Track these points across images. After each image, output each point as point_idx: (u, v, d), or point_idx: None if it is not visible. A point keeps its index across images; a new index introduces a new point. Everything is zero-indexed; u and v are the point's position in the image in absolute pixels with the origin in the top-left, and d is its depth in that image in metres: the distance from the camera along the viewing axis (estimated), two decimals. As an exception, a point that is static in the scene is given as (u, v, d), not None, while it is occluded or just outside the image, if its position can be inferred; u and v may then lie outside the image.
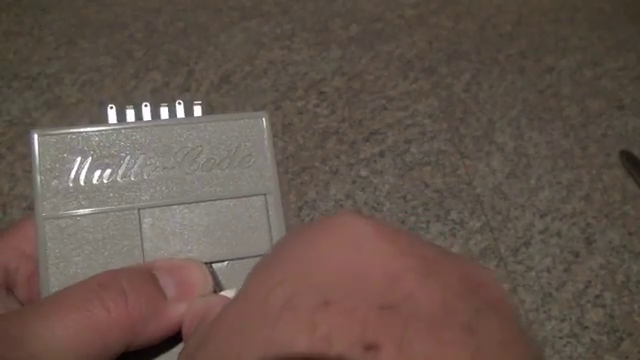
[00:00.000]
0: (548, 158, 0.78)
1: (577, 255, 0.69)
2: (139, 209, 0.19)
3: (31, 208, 0.67)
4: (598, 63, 0.91)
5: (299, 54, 0.88)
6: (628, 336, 0.63)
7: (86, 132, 0.19)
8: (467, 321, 0.12)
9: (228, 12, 0.93)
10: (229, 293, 0.18)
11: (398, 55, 0.89)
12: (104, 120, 0.20)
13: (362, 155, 0.76)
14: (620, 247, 0.70)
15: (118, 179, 0.19)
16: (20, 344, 0.15)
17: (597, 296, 0.66)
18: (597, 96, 0.86)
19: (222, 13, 0.93)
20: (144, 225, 0.19)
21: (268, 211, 0.20)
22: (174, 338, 0.18)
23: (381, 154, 0.76)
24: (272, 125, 0.21)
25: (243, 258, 0.20)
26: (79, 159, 0.19)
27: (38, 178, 0.19)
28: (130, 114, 0.20)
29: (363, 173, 0.74)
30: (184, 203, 0.20)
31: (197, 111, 0.21)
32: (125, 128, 0.20)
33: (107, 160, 0.19)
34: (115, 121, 0.20)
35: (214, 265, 0.19)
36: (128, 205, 0.19)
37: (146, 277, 0.17)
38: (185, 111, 0.21)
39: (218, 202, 0.20)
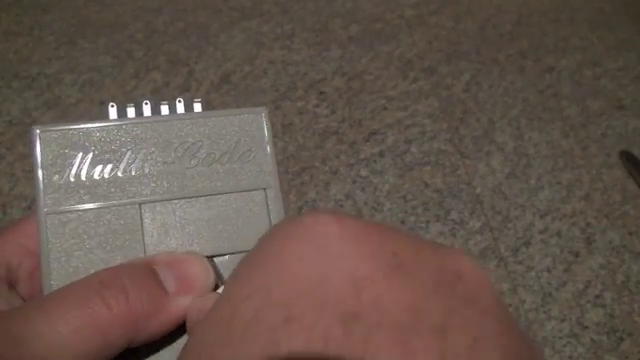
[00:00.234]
0: (548, 158, 0.78)
1: (577, 255, 0.69)
2: (140, 204, 0.19)
3: (31, 208, 0.67)
4: (598, 63, 0.91)
5: (299, 54, 0.88)
6: (628, 336, 0.63)
7: (87, 128, 0.20)
8: (438, 323, 0.12)
9: (228, 12, 0.93)
10: None
11: (398, 55, 0.89)
12: (105, 118, 0.20)
13: (362, 155, 0.76)
14: (620, 247, 0.70)
15: (119, 174, 0.19)
16: (22, 342, 0.15)
17: (597, 296, 0.66)
18: (597, 96, 0.86)
19: (222, 13, 0.93)
20: (145, 220, 0.19)
21: (268, 205, 0.20)
22: (177, 331, 0.18)
23: (381, 154, 0.76)
24: (272, 125, 0.21)
25: (244, 252, 0.19)
26: (80, 154, 0.19)
27: (40, 173, 0.19)
28: (131, 112, 0.20)
29: (363, 173, 0.74)
30: (185, 198, 0.20)
31: (197, 108, 0.21)
32: (126, 124, 0.20)
33: (108, 155, 0.19)
34: (116, 118, 0.20)
35: (215, 259, 0.20)
36: (129, 200, 0.19)
37: (147, 273, 0.17)
38: (185, 109, 0.21)
39: (218, 196, 0.20)
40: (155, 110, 0.20)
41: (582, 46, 0.93)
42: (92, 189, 0.19)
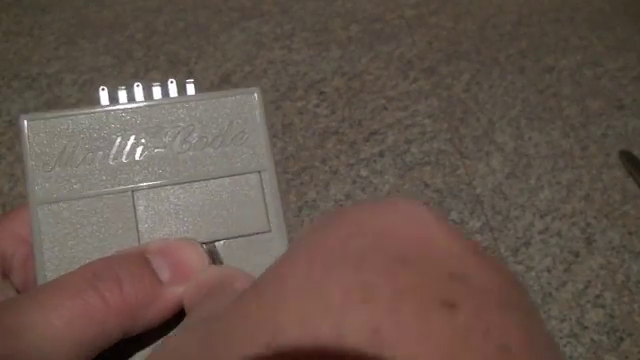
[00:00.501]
0: (548, 158, 0.78)
1: (577, 255, 0.69)
2: (133, 191, 0.19)
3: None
4: (598, 63, 0.91)
5: (299, 54, 0.88)
6: (628, 336, 0.63)
7: (75, 115, 0.19)
8: (524, 306, 0.13)
9: (228, 12, 0.93)
10: None
11: (398, 55, 0.89)
12: (96, 102, 0.20)
13: (362, 155, 0.76)
14: (620, 247, 0.70)
15: (110, 161, 0.19)
16: (16, 334, 0.15)
17: (597, 296, 0.66)
18: (597, 96, 0.86)
19: (222, 13, 0.93)
20: (138, 207, 0.19)
21: (263, 188, 0.20)
22: (174, 319, 0.18)
23: (381, 154, 0.76)
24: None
25: (240, 236, 0.19)
26: (70, 143, 0.19)
27: (29, 163, 0.19)
28: (122, 95, 0.20)
29: (363, 173, 0.74)
30: (178, 183, 0.19)
31: (190, 89, 0.20)
32: (115, 110, 0.19)
33: (98, 142, 0.19)
34: (107, 103, 0.20)
35: (204, 245, 0.19)
36: (121, 187, 0.19)
37: (141, 262, 0.17)
38: (178, 90, 0.20)
39: (212, 181, 0.20)
40: (147, 93, 0.20)
41: (582, 46, 0.93)
42: (83, 177, 0.19)
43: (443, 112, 0.82)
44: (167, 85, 0.20)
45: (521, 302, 0.13)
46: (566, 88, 0.87)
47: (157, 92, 0.20)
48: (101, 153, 0.19)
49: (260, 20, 0.92)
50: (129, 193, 0.19)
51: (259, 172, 0.20)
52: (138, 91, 0.20)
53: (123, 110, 0.19)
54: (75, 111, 0.19)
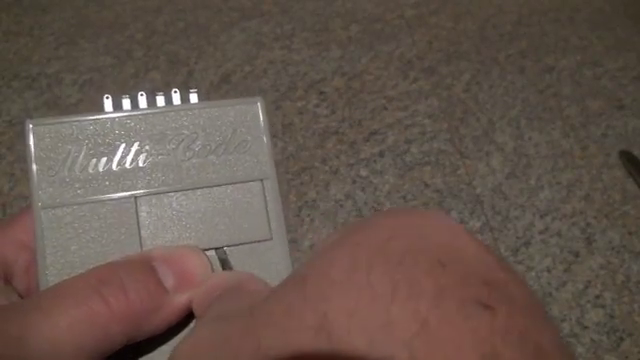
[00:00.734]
0: (548, 158, 0.78)
1: (577, 255, 0.69)
2: (135, 197, 0.19)
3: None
4: (598, 63, 0.91)
5: (299, 54, 0.88)
6: (628, 336, 0.63)
7: (80, 121, 0.19)
8: (546, 317, 0.13)
9: (228, 12, 0.93)
10: None
11: (398, 55, 0.89)
12: (100, 110, 0.20)
13: (362, 155, 0.76)
14: (620, 247, 0.70)
15: (113, 167, 0.19)
16: (20, 341, 0.15)
17: (597, 296, 0.66)
18: (597, 96, 0.86)
19: (222, 13, 0.93)
20: (141, 213, 0.19)
21: (265, 196, 0.20)
22: (177, 326, 0.18)
23: (381, 154, 0.76)
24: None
25: (241, 244, 0.19)
26: (74, 148, 0.19)
27: (34, 168, 0.19)
28: (126, 103, 0.20)
29: (363, 173, 0.74)
30: (181, 190, 0.19)
31: (193, 98, 0.21)
32: (119, 116, 0.20)
33: (102, 148, 0.19)
34: (111, 110, 0.20)
35: (215, 251, 0.19)
36: (124, 193, 0.19)
37: (145, 269, 0.17)
38: (181, 99, 0.20)
39: (215, 188, 0.20)
40: (151, 102, 0.20)
41: (582, 46, 0.93)
42: (87, 183, 0.19)
43: (443, 112, 0.82)
44: (170, 94, 0.20)
45: (542, 313, 0.13)
46: (566, 88, 0.87)
47: (161, 101, 0.20)
48: (105, 159, 0.19)
49: (260, 20, 0.92)
50: (132, 199, 0.19)
51: (261, 180, 0.20)
52: (142, 99, 0.20)
53: (127, 117, 0.20)
54: (80, 117, 0.19)
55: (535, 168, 0.77)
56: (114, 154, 0.19)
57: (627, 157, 0.78)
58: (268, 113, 0.21)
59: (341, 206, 0.71)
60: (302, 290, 0.13)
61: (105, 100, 0.20)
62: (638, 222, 0.72)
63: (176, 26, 0.90)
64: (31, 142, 0.19)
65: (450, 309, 0.12)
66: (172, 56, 0.85)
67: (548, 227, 0.71)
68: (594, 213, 0.73)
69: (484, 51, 0.91)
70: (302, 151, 0.76)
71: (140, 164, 0.19)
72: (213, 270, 0.19)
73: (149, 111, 0.20)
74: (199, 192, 0.20)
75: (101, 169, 0.19)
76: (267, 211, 0.20)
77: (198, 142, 0.20)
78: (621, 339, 0.63)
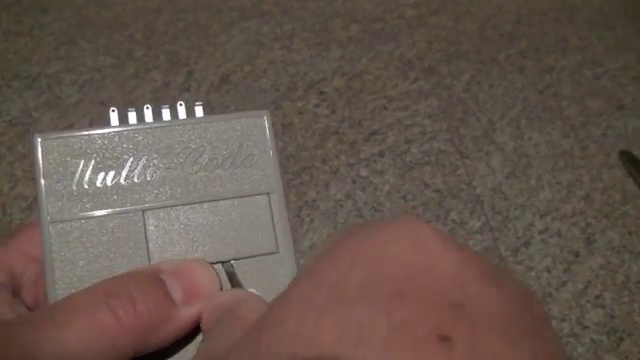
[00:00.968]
0: (548, 158, 0.78)
1: (577, 255, 0.69)
2: (143, 211, 0.19)
3: (31, 208, 0.67)
4: (598, 63, 0.91)
5: (299, 54, 0.88)
6: (628, 336, 0.63)
7: (88, 135, 0.19)
8: (530, 328, 0.13)
9: (228, 12, 0.93)
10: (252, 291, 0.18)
11: (398, 55, 0.89)
12: (106, 123, 0.20)
13: (362, 155, 0.76)
14: (620, 247, 0.70)
15: (121, 181, 0.19)
16: (29, 351, 0.15)
17: (597, 296, 0.66)
18: (597, 96, 0.86)
19: (222, 13, 0.93)
20: (149, 227, 0.19)
21: (272, 210, 0.20)
22: (184, 338, 0.18)
23: (381, 154, 0.76)
24: (272, 125, 0.21)
25: (248, 257, 0.20)
26: (82, 162, 0.19)
27: (42, 182, 0.19)
28: (132, 116, 0.20)
29: (363, 173, 0.74)
30: (188, 204, 0.20)
31: (199, 112, 0.21)
32: (127, 130, 0.20)
33: (110, 162, 0.19)
34: (117, 124, 0.20)
35: (222, 265, 0.20)
36: (132, 207, 0.19)
37: (154, 282, 0.17)
38: (187, 112, 0.21)
39: (222, 202, 0.20)
40: (156, 115, 0.20)
41: (582, 46, 0.93)
42: (95, 197, 0.19)
43: (443, 112, 0.82)
44: (176, 107, 0.21)
45: (530, 323, 0.13)
46: (566, 88, 0.87)
47: (166, 114, 0.20)
48: (113, 173, 0.19)
49: (260, 20, 0.92)
50: (140, 213, 0.19)
51: (268, 194, 0.20)
52: (148, 113, 0.20)
53: (135, 131, 0.20)
54: (88, 131, 0.19)
55: (535, 168, 0.77)
56: (122, 168, 0.19)
57: (627, 157, 0.78)
58: (270, 117, 0.21)
59: (341, 206, 0.71)
60: (258, 342, 0.13)
61: (111, 113, 0.20)
62: (638, 222, 0.72)
63: (176, 26, 0.90)
64: (39, 156, 0.19)
65: (402, 349, 0.11)
66: (172, 56, 0.85)
67: (548, 227, 0.71)
68: (594, 213, 0.73)
69: (484, 51, 0.91)
70: (302, 151, 0.76)
71: (148, 178, 0.20)
72: (221, 283, 0.19)
73: (156, 125, 0.20)
74: (206, 206, 0.20)
75: (109, 183, 0.19)
76: (274, 224, 0.20)
77: (205, 156, 0.20)
78: (621, 339, 0.63)
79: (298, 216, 0.70)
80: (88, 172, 0.19)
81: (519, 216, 0.72)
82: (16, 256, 0.20)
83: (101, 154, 0.19)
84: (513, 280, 0.14)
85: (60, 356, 0.15)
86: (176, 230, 0.19)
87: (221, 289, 0.19)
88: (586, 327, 0.63)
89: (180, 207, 0.20)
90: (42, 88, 0.80)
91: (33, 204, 0.68)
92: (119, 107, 0.20)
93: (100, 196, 0.19)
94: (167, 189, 0.20)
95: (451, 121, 0.81)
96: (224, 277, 0.19)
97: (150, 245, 0.19)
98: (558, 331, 0.63)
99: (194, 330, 0.18)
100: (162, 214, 0.19)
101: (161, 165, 0.20)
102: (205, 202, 0.20)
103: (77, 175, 0.19)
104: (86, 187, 0.19)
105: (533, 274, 0.67)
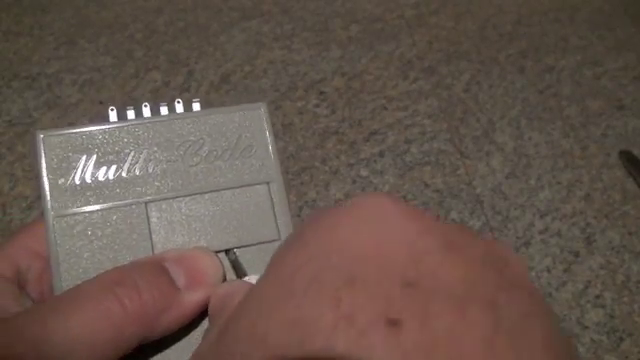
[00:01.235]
0: (548, 158, 0.78)
1: (577, 255, 0.69)
2: (146, 203, 0.20)
3: (31, 208, 0.67)
4: (598, 63, 0.91)
5: (299, 54, 0.88)
6: (628, 336, 0.63)
7: (89, 131, 0.20)
8: (491, 296, 0.12)
9: (228, 12, 0.93)
10: (252, 279, 0.18)
11: (398, 55, 0.89)
12: (105, 120, 0.20)
13: (362, 155, 0.76)
14: (620, 247, 0.70)
15: (123, 175, 0.20)
16: (40, 342, 0.15)
17: (597, 296, 0.66)
18: (597, 96, 0.86)
19: (222, 13, 0.93)
20: (152, 218, 0.19)
21: (272, 198, 0.20)
22: (189, 325, 0.18)
23: (381, 154, 0.76)
24: (272, 125, 0.21)
25: (250, 245, 0.20)
26: (84, 157, 0.20)
27: (45, 178, 0.19)
28: (131, 114, 0.20)
29: (363, 173, 0.74)
30: (190, 195, 0.20)
31: (196, 108, 0.21)
32: (127, 125, 0.20)
33: (112, 157, 0.20)
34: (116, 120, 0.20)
35: (225, 253, 0.20)
36: (135, 200, 0.20)
37: (157, 270, 0.18)
38: (184, 109, 0.21)
39: (223, 192, 0.20)
40: (154, 111, 0.21)
41: (582, 46, 0.93)
42: (98, 190, 0.19)
43: (443, 112, 0.82)
44: (174, 104, 0.21)
45: (494, 288, 0.12)
46: (566, 88, 0.87)
47: (164, 110, 0.21)
48: (115, 167, 0.20)
49: (260, 20, 0.92)
50: (143, 205, 0.20)
51: (267, 183, 0.21)
52: (146, 111, 0.21)
53: (135, 125, 0.20)
54: (89, 127, 0.20)
55: (535, 168, 0.77)
56: (124, 162, 0.20)
57: (627, 157, 0.78)
58: (267, 108, 0.22)
59: (341, 206, 0.71)
60: (221, 340, 0.14)
61: (110, 112, 0.20)
62: (638, 222, 0.72)
63: (176, 26, 0.90)
64: (42, 152, 0.19)
65: (346, 344, 0.11)
66: (172, 56, 0.85)
67: (548, 227, 0.71)
68: (594, 213, 0.73)
69: (484, 51, 0.91)
70: (302, 151, 0.76)
71: (149, 171, 0.20)
72: (225, 271, 0.19)
73: (156, 119, 0.20)
74: (207, 196, 0.20)
75: (111, 177, 0.20)
76: (274, 212, 0.20)
77: (205, 148, 0.20)
78: (621, 339, 0.63)
79: (298, 216, 0.70)
80: (90, 167, 0.19)
81: (519, 216, 0.72)
82: (21, 252, 0.20)
83: (102, 149, 0.20)
84: (481, 242, 0.14)
85: (68, 345, 0.15)
86: (178, 221, 0.20)
87: (225, 277, 0.19)
88: (586, 327, 0.63)
89: (182, 198, 0.20)
90: (42, 88, 0.80)
91: (33, 204, 0.68)
92: (118, 107, 0.20)
93: (103, 190, 0.19)
94: (168, 181, 0.20)
95: (451, 121, 0.81)
96: (228, 265, 0.20)
97: (153, 236, 0.19)
98: (558, 331, 0.63)
99: (199, 319, 0.18)
100: (164, 206, 0.20)
101: (162, 158, 0.20)
102: (206, 193, 0.20)
103: (79, 170, 0.19)
104: (89, 181, 0.19)
105: (533, 274, 0.67)
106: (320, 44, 0.89)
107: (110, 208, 0.19)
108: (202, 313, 0.18)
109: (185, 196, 0.20)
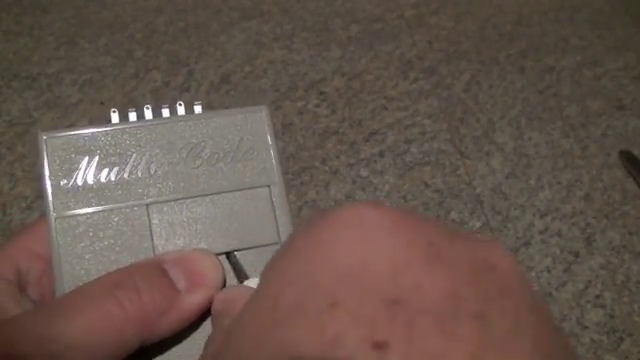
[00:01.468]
0: (548, 158, 0.78)
1: (577, 255, 0.69)
2: (147, 205, 0.20)
3: (31, 208, 0.67)
4: (598, 63, 0.91)
5: (299, 54, 0.88)
6: (628, 336, 0.63)
7: (92, 133, 0.20)
8: (477, 310, 0.12)
9: (228, 12, 0.93)
10: (253, 282, 0.18)
11: (398, 55, 0.89)
12: (107, 121, 0.20)
13: (362, 155, 0.76)
14: (620, 247, 0.70)
15: (125, 176, 0.20)
16: (42, 343, 0.15)
17: (597, 296, 0.66)
18: (597, 96, 0.86)
19: (222, 13, 0.93)
20: (153, 220, 0.20)
21: (273, 201, 0.21)
22: (189, 328, 0.18)
23: (381, 154, 0.76)
24: (272, 124, 0.22)
25: (250, 248, 0.20)
26: (86, 159, 0.20)
27: (47, 179, 0.19)
28: (133, 116, 0.20)
29: (363, 173, 0.74)
30: (191, 197, 0.20)
31: (197, 111, 0.21)
32: (129, 127, 0.20)
33: (114, 158, 0.20)
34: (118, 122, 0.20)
35: (226, 256, 0.20)
36: (136, 201, 0.20)
37: (157, 272, 0.18)
38: (186, 111, 0.21)
39: (224, 195, 0.20)
40: (156, 114, 0.21)
41: (582, 46, 0.93)
42: (100, 192, 0.19)
43: (443, 112, 0.82)
44: (176, 107, 0.21)
45: (481, 301, 0.12)
46: (566, 88, 0.87)
47: (166, 113, 0.21)
48: (117, 169, 0.20)
49: (260, 20, 0.92)
50: (144, 207, 0.20)
51: (268, 186, 0.21)
52: (148, 113, 0.21)
53: (137, 127, 0.20)
54: (91, 129, 0.20)
55: (535, 168, 0.77)
56: (126, 164, 0.20)
57: (627, 157, 0.78)
58: (269, 111, 0.22)
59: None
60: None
61: (112, 114, 0.20)
62: (638, 222, 0.72)
63: (176, 26, 0.90)
64: (44, 154, 0.19)
65: None
66: (172, 56, 0.85)
67: (548, 227, 0.71)
68: (594, 213, 0.73)
69: (484, 51, 0.91)
70: (302, 151, 0.76)
71: (151, 173, 0.20)
72: (225, 274, 0.19)
73: (158, 122, 0.20)
74: (208, 199, 0.20)
75: (113, 178, 0.20)
76: (275, 215, 0.20)
77: (206, 150, 0.20)
78: (621, 339, 0.63)
79: (298, 216, 0.70)
80: (92, 168, 0.20)
81: (519, 216, 0.72)
82: (22, 253, 0.20)
83: (105, 150, 0.20)
84: (468, 248, 0.14)
85: (69, 347, 0.15)
86: (180, 223, 0.20)
87: (225, 280, 0.19)
88: (586, 327, 0.63)
89: (183, 200, 0.20)
90: (42, 88, 0.80)
91: (33, 204, 0.68)
92: (119, 108, 0.20)
93: (104, 191, 0.19)
94: (170, 183, 0.20)
95: (451, 121, 0.81)
96: (228, 268, 0.20)
97: (154, 238, 0.19)
98: (558, 331, 0.63)
99: (200, 320, 0.18)
100: (166, 208, 0.20)
101: (164, 160, 0.20)
102: (207, 195, 0.20)
103: (82, 171, 0.19)
104: (91, 183, 0.19)
105: (533, 274, 0.67)
106: (320, 44, 0.89)
107: (112, 210, 0.19)
108: (203, 315, 0.18)
109: (186, 198, 0.20)
